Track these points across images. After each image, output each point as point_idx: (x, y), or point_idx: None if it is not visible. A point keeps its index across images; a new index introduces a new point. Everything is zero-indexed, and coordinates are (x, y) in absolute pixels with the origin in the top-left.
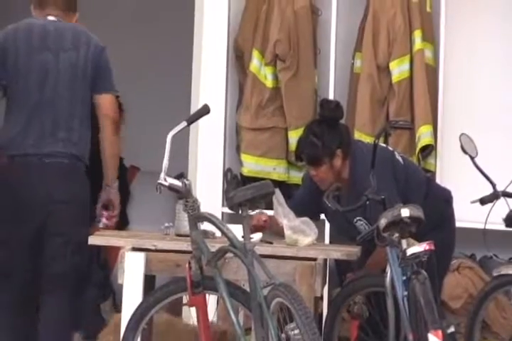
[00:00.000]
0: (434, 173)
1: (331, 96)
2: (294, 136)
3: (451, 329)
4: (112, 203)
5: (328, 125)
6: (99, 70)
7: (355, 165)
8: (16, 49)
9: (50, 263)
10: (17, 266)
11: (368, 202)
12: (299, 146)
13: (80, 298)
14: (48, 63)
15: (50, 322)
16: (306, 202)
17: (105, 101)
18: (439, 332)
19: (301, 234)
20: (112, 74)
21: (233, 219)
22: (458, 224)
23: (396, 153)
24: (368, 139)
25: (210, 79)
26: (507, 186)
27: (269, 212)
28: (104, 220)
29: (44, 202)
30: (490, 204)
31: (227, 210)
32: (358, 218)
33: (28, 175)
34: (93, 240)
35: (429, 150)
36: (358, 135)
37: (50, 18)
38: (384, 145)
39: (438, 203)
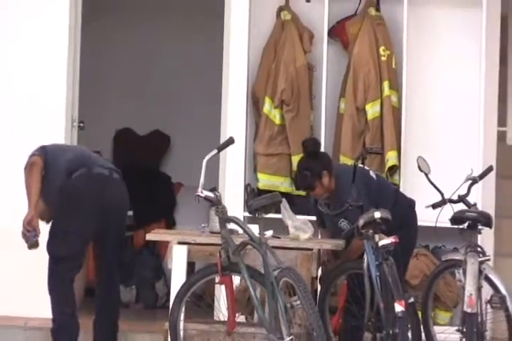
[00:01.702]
0: (398, 186)
1: (322, 130)
2: (295, 160)
3: (411, 299)
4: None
5: (311, 157)
6: None
7: (339, 181)
8: None
9: (108, 252)
10: (79, 252)
11: (350, 207)
12: (297, 181)
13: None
14: None
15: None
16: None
17: None
18: (403, 301)
19: (302, 231)
20: None
21: (252, 220)
22: (420, 223)
23: (371, 171)
24: (349, 161)
25: (234, 118)
26: (451, 195)
27: (278, 215)
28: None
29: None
30: (439, 209)
31: (247, 214)
32: (341, 220)
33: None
34: (150, 236)
35: (394, 169)
36: (342, 158)
37: None
38: (361, 165)
39: (404, 208)
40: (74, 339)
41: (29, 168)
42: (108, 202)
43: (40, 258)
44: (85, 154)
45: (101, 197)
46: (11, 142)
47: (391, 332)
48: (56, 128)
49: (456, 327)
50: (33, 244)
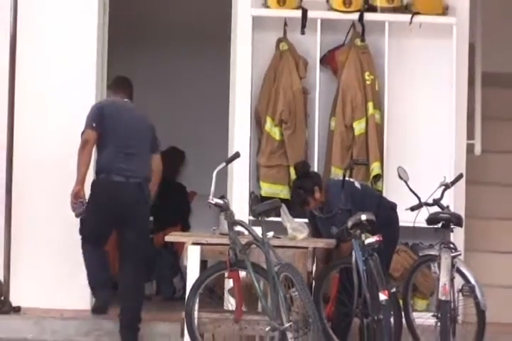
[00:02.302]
0: (381, 192)
1: (316, 145)
2: (292, 171)
3: (393, 289)
4: None
5: (303, 177)
6: None
7: (329, 193)
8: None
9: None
10: (104, 234)
11: (339, 211)
12: (293, 199)
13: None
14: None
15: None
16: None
17: (158, 160)
18: (386, 291)
19: (298, 232)
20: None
21: (255, 223)
22: (400, 224)
23: (356, 182)
24: (339, 171)
25: (239, 135)
26: (427, 199)
27: (278, 219)
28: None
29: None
30: (417, 211)
31: (251, 218)
32: (332, 227)
33: None
34: (169, 238)
35: (378, 177)
36: (333, 169)
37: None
38: (347, 178)
39: (387, 211)
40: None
41: (81, 144)
42: (123, 201)
43: (74, 257)
44: (115, 158)
45: (116, 199)
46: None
47: (376, 317)
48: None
49: (432, 313)
50: (80, 213)
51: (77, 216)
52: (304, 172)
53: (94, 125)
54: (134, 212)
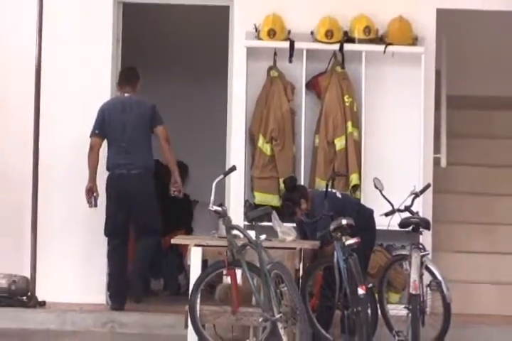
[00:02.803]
0: (360, 200)
1: (302, 159)
2: (281, 183)
3: (370, 285)
4: (176, 181)
5: (291, 190)
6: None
7: (313, 202)
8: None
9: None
10: (121, 224)
11: (323, 216)
12: (283, 210)
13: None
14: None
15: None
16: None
17: (161, 130)
18: (364, 286)
19: (287, 235)
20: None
21: (250, 227)
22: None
23: (337, 192)
24: (323, 182)
25: (236, 151)
26: (399, 206)
27: (269, 223)
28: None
29: None
30: (391, 216)
31: (246, 223)
32: (316, 232)
33: None
34: (174, 241)
35: (356, 187)
36: (317, 180)
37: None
38: (330, 189)
39: (365, 216)
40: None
41: (88, 149)
42: (128, 192)
43: (93, 258)
44: (117, 155)
45: (122, 191)
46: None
47: (355, 309)
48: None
49: (404, 305)
50: (93, 205)
51: (90, 207)
52: (292, 186)
53: (97, 132)
54: (139, 198)
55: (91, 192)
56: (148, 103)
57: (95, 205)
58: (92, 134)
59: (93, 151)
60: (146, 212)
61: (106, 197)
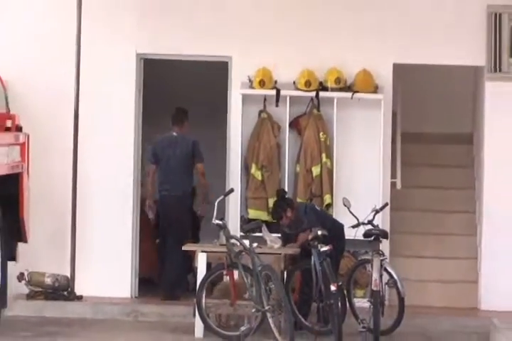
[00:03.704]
0: (332, 216)
1: (286, 183)
2: (270, 201)
3: (340, 283)
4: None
5: (281, 200)
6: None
7: (297, 213)
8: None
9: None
10: (167, 233)
11: (303, 226)
12: (272, 214)
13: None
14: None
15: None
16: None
17: (199, 167)
18: (335, 284)
19: (274, 243)
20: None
21: (245, 237)
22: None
23: (316, 206)
24: (302, 201)
25: (233, 177)
26: (364, 220)
27: (260, 234)
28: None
29: None
30: (357, 228)
31: (242, 233)
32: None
33: None
34: (185, 247)
35: (329, 205)
36: (298, 200)
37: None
38: (312, 203)
39: (339, 228)
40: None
41: (146, 174)
42: (169, 209)
43: (121, 259)
44: (163, 180)
45: (166, 208)
46: None
47: (328, 302)
48: (127, 187)
49: (367, 299)
50: (152, 217)
51: (149, 217)
52: (282, 196)
53: (152, 161)
54: (177, 215)
55: (149, 206)
56: (190, 140)
57: (152, 216)
58: (149, 162)
59: (149, 176)
60: (181, 224)
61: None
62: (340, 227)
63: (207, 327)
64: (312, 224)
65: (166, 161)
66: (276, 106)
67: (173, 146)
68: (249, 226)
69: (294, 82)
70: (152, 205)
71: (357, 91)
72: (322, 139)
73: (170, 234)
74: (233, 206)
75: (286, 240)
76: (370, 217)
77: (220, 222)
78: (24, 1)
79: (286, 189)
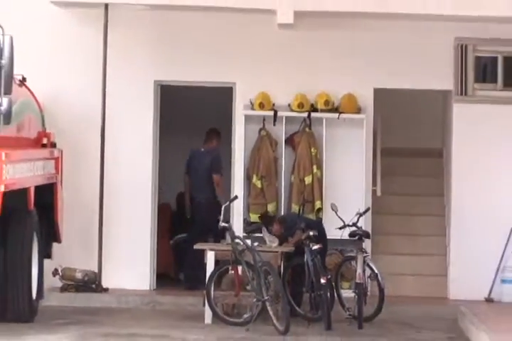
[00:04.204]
0: (321, 219)
1: (282, 191)
2: (269, 207)
3: (329, 276)
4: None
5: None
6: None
7: (286, 222)
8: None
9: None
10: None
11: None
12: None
13: None
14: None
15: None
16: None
17: (215, 177)
18: (325, 277)
19: (272, 243)
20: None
21: (247, 237)
22: (333, 237)
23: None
24: (296, 206)
25: (237, 186)
26: (349, 222)
27: (260, 234)
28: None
29: None
30: (343, 230)
31: (245, 234)
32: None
33: None
34: (196, 246)
35: (319, 210)
36: (293, 205)
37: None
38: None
39: (323, 231)
40: None
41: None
42: (197, 213)
43: (142, 254)
44: (192, 188)
45: (194, 212)
46: None
47: (319, 293)
48: (146, 194)
49: (352, 290)
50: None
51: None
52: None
53: (185, 171)
54: (202, 218)
55: (188, 207)
56: (213, 154)
57: (190, 215)
58: (185, 172)
59: (185, 183)
60: (201, 226)
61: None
62: (324, 230)
63: (215, 315)
64: (298, 227)
65: (194, 172)
66: (274, 125)
67: (198, 159)
68: (251, 228)
69: (289, 105)
70: (188, 208)
71: (343, 112)
72: (313, 153)
73: (197, 232)
74: (237, 210)
75: (281, 240)
76: (355, 220)
77: (226, 225)
78: (57, 38)
79: (282, 196)
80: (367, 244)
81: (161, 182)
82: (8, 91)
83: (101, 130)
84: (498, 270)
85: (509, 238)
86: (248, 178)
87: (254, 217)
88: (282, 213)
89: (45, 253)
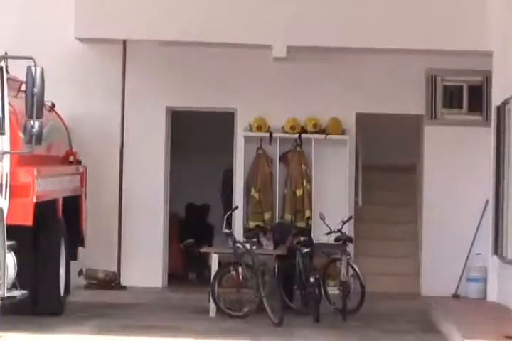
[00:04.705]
0: (311, 226)
1: (277, 202)
2: (265, 216)
3: (317, 275)
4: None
5: (253, 236)
6: None
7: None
8: None
9: None
10: None
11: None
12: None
13: None
14: None
15: None
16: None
17: None
18: (314, 276)
19: (268, 246)
20: None
21: (246, 242)
22: (321, 242)
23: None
24: (289, 215)
25: (237, 196)
26: (334, 229)
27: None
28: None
29: None
30: (329, 235)
31: (244, 239)
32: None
33: None
34: (202, 250)
35: (309, 218)
36: (286, 214)
37: None
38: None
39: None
40: None
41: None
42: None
43: (156, 255)
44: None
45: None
46: None
47: (308, 290)
48: (159, 205)
49: (337, 287)
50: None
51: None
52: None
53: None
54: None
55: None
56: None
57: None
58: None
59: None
60: None
61: None
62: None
63: (218, 309)
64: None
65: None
66: (270, 144)
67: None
68: (250, 233)
69: (283, 127)
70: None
71: (329, 134)
72: (303, 169)
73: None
74: (238, 218)
75: (276, 244)
76: (339, 227)
77: (228, 231)
78: (82, 70)
79: (277, 206)
80: (350, 248)
81: (172, 193)
82: (39, 115)
83: (120, 149)
84: (463, 269)
85: (473, 242)
86: (247, 190)
87: (252, 224)
88: (277, 221)
89: (72, 256)
